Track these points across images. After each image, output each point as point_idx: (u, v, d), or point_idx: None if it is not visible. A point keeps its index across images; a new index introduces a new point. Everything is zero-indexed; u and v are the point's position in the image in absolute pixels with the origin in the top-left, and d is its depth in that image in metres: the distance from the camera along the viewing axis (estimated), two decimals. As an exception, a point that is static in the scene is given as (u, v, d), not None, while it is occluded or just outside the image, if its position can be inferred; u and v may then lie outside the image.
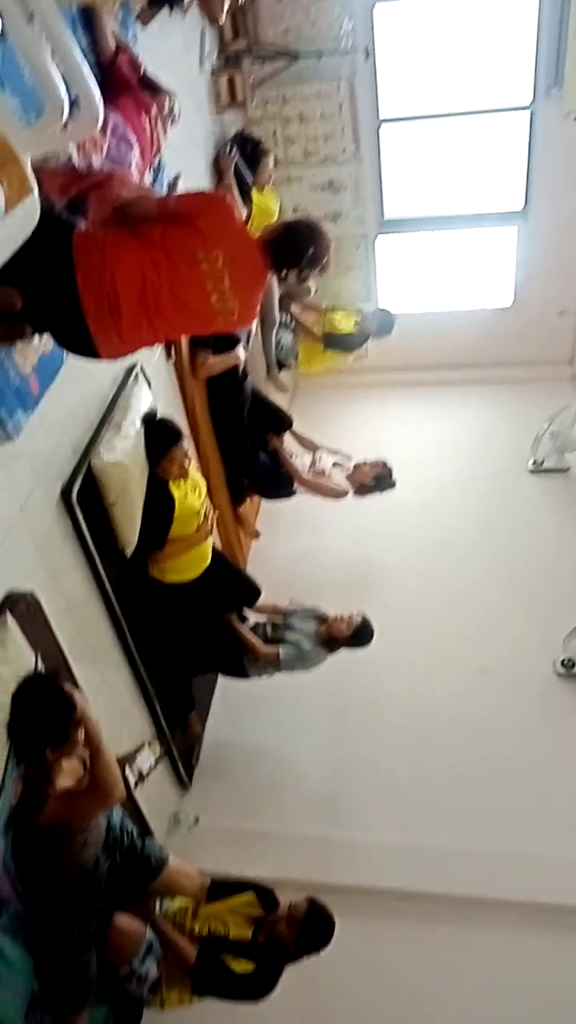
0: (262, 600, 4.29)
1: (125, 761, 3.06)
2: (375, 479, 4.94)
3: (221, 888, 3.09)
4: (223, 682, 4.76)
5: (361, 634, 4.10)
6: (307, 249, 2.56)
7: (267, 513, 5.71)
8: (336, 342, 6.16)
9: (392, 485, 4.98)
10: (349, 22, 5.59)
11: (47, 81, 1.61)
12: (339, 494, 4.94)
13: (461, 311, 7.09)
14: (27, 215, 1.78)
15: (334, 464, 5.04)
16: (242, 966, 2.82)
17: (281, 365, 6.22)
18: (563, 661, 4.72)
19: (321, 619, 4.20)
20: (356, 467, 5.01)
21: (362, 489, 4.98)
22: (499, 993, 3.45)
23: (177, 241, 2.30)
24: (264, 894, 3.06)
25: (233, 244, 2.38)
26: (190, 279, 2.34)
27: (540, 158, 6.09)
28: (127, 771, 3.04)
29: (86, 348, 2.39)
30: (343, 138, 6.05)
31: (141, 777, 3.13)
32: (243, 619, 4.20)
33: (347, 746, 4.50)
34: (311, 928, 2.86)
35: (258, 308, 2.68)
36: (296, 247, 2.55)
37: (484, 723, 4.49)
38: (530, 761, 4.28)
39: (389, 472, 4.95)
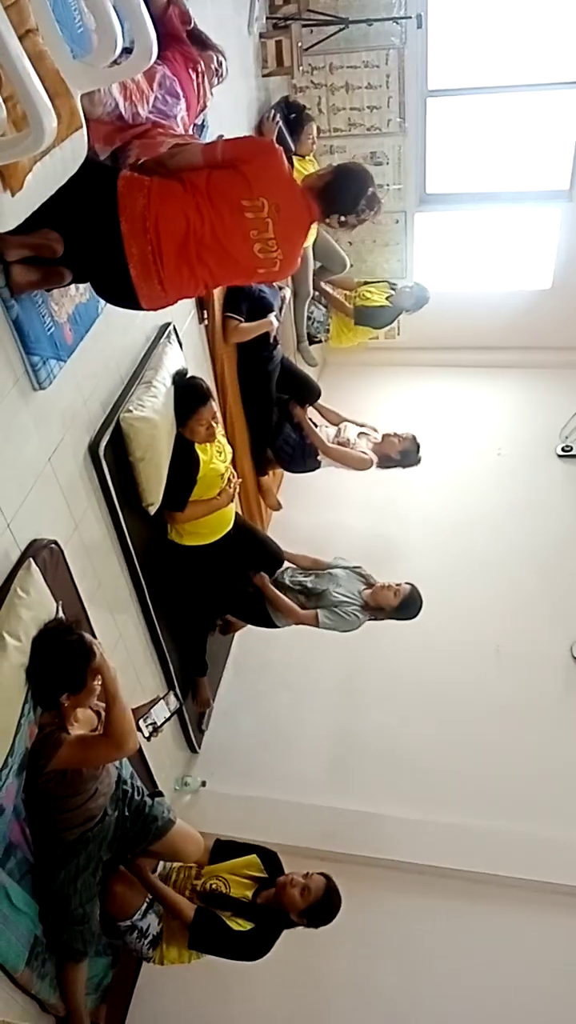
0: (300, 555, 4.22)
1: (140, 713, 3.08)
2: (401, 453, 4.72)
3: (224, 849, 3.13)
4: (236, 650, 4.78)
5: (409, 605, 3.89)
6: (363, 192, 2.57)
7: (289, 485, 5.69)
8: (367, 316, 6.06)
9: (417, 462, 4.77)
10: (402, -11, 5.47)
11: (102, 11, 1.58)
12: (364, 463, 4.75)
13: (498, 292, 6.98)
14: (75, 150, 1.76)
15: (360, 434, 4.89)
16: (240, 924, 2.86)
17: (312, 339, 6.16)
18: (580, 646, 4.71)
19: (368, 583, 4.03)
20: (385, 437, 4.82)
21: (386, 461, 4.77)
22: (500, 970, 3.47)
23: (222, 188, 2.28)
24: (267, 857, 3.09)
25: (279, 191, 2.36)
26: (234, 226, 2.32)
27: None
28: (141, 723, 3.06)
29: (127, 296, 2.36)
30: (388, 109, 5.95)
31: (155, 729, 3.14)
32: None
33: (357, 718, 4.51)
34: (323, 905, 2.89)
35: (300, 258, 2.65)
36: (350, 191, 2.56)
37: (496, 702, 4.49)
38: (541, 743, 4.28)
39: (416, 448, 4.72)
